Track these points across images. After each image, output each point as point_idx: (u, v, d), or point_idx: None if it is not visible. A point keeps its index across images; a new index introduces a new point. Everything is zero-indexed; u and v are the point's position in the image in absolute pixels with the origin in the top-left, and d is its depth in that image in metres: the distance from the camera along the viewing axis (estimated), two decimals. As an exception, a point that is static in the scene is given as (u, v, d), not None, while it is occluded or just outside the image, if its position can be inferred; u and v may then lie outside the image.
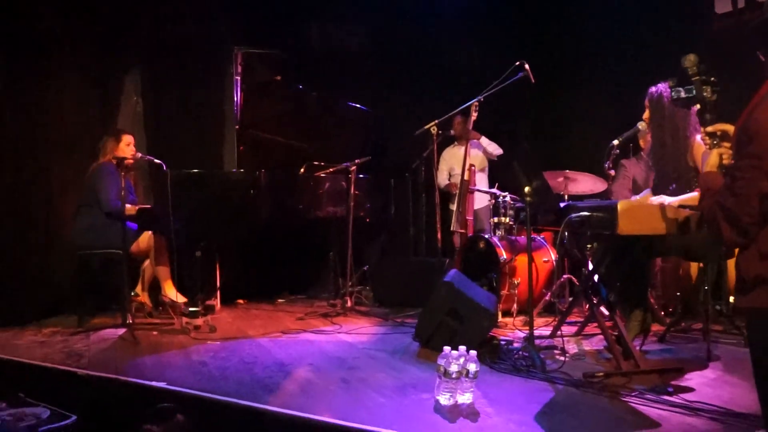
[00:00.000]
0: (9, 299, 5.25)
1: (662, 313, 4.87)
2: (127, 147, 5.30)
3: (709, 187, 2.04)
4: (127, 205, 4.90)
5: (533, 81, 5.37)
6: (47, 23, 5.59)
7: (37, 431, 2.54)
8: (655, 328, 4.49)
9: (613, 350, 3.67)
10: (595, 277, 4.18)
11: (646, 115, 4.03)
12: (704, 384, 3.37)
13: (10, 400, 2.86)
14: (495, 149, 6.49)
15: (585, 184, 5.51)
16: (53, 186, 5.67)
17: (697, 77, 2.47)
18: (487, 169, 6.59)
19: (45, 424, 2.81)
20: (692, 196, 3.61)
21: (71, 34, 5.73)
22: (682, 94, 2.53)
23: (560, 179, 5.43)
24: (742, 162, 1.90)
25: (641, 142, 5.12)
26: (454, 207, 6.20)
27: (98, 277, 5.35)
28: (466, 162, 5.97)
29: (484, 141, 6.45)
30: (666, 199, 3.63)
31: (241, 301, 6.23)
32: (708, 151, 2.19)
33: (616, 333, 3.82)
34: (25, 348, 4.40)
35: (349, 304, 5.69)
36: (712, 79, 2.45)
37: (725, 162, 2.12)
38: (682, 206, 3.42)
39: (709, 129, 2.21)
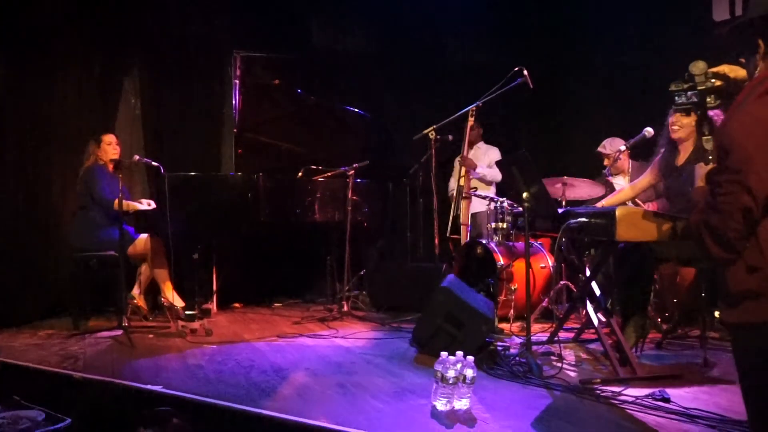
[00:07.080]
0: (7, 300, 5.25)
1: (659, 319, 4.87)
2: (108, 146, 5.28)
3: (700, 202, 1.99)
4: (127, 201, 4.88)
5: (531, 86, 5.38)
6: (50, 21, 5.60)
7: (33, 434, 2.53)
8: (653, 334, 4.49)
9: (611, 357, 3.67)
10: (593, 283, 4.18)
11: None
12: (701, 391, 3.36)
13: (5, 402, 2.84)
14: (493, 177, 6.28)
15: (583, 189, 5.51)
16: (53, 186, 5.67)
17: (704, 86, 2.44)
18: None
19: (40, 426, 2.81)
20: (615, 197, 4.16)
21: (73, 34, 5.74)
22: (692, 99, 2.48)
23: (558, 185, 5.43)
24: (721, 177, 1.86)
25: (605, 161, 5.43)
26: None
27: (95, 279, 5.35)
28: (461, 168, 5.97)
29: (482, 170, 6.25)
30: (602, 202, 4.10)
31: (237, 304, 6.22)
32: (702, 165, 2.18)
33: (613, 339, 3.83)
34: (20, 350, 4.40)
35: (345, 308, 5.68)
36: (718, 84, 2.42)
37: None
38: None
39: (709, 147, 2.17)
